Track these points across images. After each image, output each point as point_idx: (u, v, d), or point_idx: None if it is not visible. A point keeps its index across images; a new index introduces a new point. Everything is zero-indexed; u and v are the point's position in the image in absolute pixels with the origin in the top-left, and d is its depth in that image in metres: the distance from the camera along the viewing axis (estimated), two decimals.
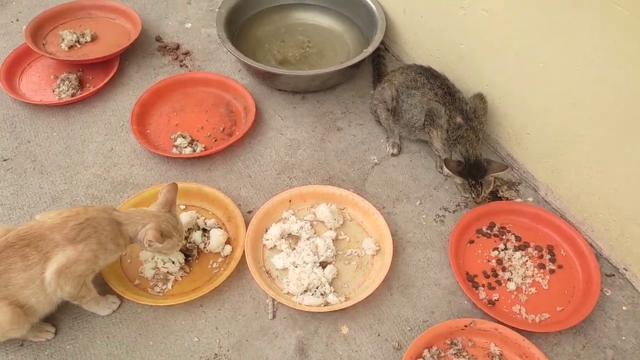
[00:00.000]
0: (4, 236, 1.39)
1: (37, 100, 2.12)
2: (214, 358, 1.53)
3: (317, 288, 1.64)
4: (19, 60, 2.25)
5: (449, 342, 1.54)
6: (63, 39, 2.29)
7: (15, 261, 1.35)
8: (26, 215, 1.80)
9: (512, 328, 1.54)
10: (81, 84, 2.19)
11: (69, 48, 2.29)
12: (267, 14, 2.47)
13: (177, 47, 2.40)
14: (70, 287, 1.41)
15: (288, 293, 1.64)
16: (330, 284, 1.66)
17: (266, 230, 1.78)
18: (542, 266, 1.73)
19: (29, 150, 1.99)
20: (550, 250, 1.77)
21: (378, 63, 2.27)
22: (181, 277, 1.67)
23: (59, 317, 1.57)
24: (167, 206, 1.53)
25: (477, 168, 1.73)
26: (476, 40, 1.88)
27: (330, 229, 1.80)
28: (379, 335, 1.59)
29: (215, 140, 2.05)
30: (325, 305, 1.60)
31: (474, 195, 1.76)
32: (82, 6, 2.44)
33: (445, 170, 1.76)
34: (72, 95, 2.13)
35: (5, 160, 1.95)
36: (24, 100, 2.10)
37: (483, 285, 1.68)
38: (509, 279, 1.69)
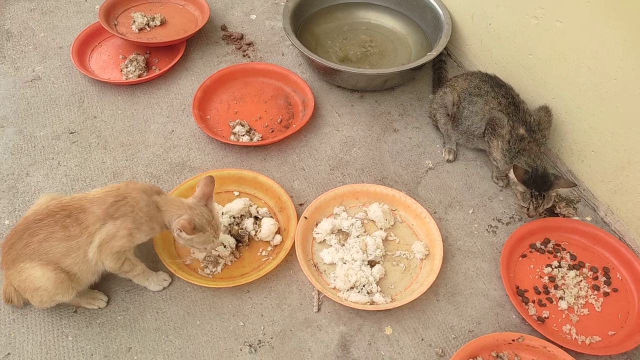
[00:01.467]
0: (33, 212, 1.45)
1: (105, 78, 2.19)
2: (258, 344, 1.55)
3: (364, 286, 1.64)
4: (91, 38, 2.33)
5: (494, 355, 1.51)
6: (134, 21, 2.37)
7: (56, 230, 1.40)
8: (88, 188, 1.87)
9: (562, 347, 1.50)
10: (148, 66, 2.26)
11: (139, 30, 2.36)
12: (331, 10, 2.49)
13: (241, 37, 2.44)
14: (110, 262, 1.46)
15: (334, 288, 1.65)
16: (377, 284, 1.66)
17: (317, 224, 1.79)
18: (596, 288, 1.68)
19: (94, 125, 2.06)
20: (606, 272, 1.72)
21: (439, 68, 2.25)
22: (231, 261, 1.70)
23: (112, 288, 1.63)
24: (204, 199, 1.52)
25: (544, 180, 1.69)
26: (547, 51, 1.84)
27: (381, 228, 1.79)
28: (422, 339, 1.58)
29: (272, 131, 2.08)
30: (371, 304, 1.60)
31: (530, 207, 1.72)
32: None
33: (511, 176, 1.72)
34: (139, 76, 2.19)
35: (72, 133, 2.03)
36: (93, 77, 2.18)
37: (533, 301, 1.64)
38: (560, 298, 1.65)
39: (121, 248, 1.46)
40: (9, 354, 1.50)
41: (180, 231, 1.44)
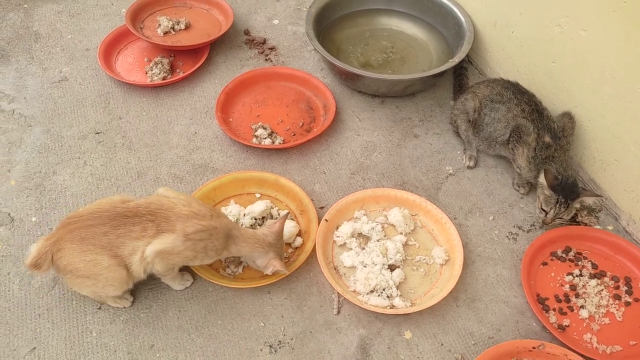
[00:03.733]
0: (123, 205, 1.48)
1: (131, 80, 2.23)
2: (278, 344, 1.56)
3: (383, 290, 1.65)
4: (117, 41, 2.37)
5: None
6: (159, 25, 2.41)
7: (135, 230, 1.42)
8: (113, 187, 1.90)
9: (582, 356, 1.50)
10: (172, 69, 2.30)
11: (164, 33, 2.40)
12: (354, 16, 2.51)
13: (264, 41, 2.46)
14: (161, 268, 1.49)
15: (354, 291, 1.66)
16: (397, 288, 1.66)
17: (337, 227, 1.80)
18: (617, 297, 1.67)
19: (119, 126, 2.10)
20: (628, 282, 1.71)
21: (460, 75, 2.26)
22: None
23: (136, 285, 1.64)
24: (280, 233, 1.59)
25: (572, 189, 1.69)
26: (570, 59, 1.84)
27: (401, 233, 1.80)
28: (442, 345, 1.58)
29: (294, 135, 2.10)
30: (390, 308, 1.61)
31: (550, 213, 1.71)
32: None
33: (541, 180, 1.72)
34: (163, 78, 2.23)
35: (97, 133, 2.07)
36: (119, 79, 2.22)
37: (554, 309, 1.64)
38: (581, 306, 1.65)
39: (178, 263, 1.51)
40: (34, 348, 1.53)
41: (280, 270, 1.56)
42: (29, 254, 1.45)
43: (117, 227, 1.42)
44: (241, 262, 1.70)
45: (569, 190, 1.69)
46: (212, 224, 1.46)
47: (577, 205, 1.72)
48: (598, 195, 1.72)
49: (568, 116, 1.85)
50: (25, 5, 2.58)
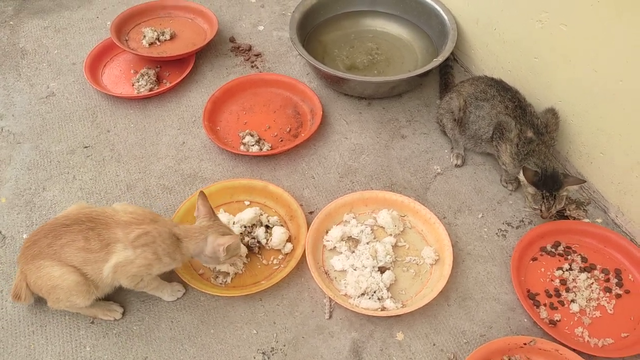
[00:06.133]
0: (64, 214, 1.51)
1: (118, 93, 2.24)
2: (271, 351, 1.57)
3: (374, 292, 1.65)
4: (103, 54, 2.38)
5: (506, 359, 1.52)
6: (144, 36, 2.42)
7: (78, 239, 1.43)
8: (103, 200, 1.91)
9: (574, 350, 1.50)
10: (158, 80, 2.31)
11: (149, 45, 2.41)
12: (337, 19, 2.52)
13: (249, 48, 2.47)
14: (125, 281, 1.50)
15: (345, 295, 1.67)
16: (388, 290, 1.67)
17: (327, 232, 1.81)
18: (608, 290, 1.68)
19: (108, 139, 2.11)
20: (618, 274, 1.71)
21: (445, 73, 2.27)
22: (241, 269, 1.72)
23: (128, 298, 1.66)
24: (212, 215, 1.57)
25: (554, 180, 1.70)
26: (552, 55, 1.85)
27: (390, 235, 1.81)
28: (434, 345, 1.58)
29: (281, 141, 2.10)
30: (382, 310, 1.61)
31: (543, 209, 1.72)
32: (163, 5, 2.57)
33: (521, 178, 1.73)
34: (150, 89, 2.24)
35: (86, 147, 2.07)
36: (106, 92, 2.23)
37: (545, 305, 1.65)
38: (572, 300, 1.65)
39: (137, 273, 1.49)
40: None
41: (229, 246, 1.49)
42: None
43: (59, 236, 1.44)
44: (229, 271, 1.71)
45: (550, 182, 1.70)
46: (151, 226, 1.46)
47: (565, 194, 1.73)
48: (582, 181, 1.73)
49: (552, 112, 1.86)
50: (11, 22, 2.59)
